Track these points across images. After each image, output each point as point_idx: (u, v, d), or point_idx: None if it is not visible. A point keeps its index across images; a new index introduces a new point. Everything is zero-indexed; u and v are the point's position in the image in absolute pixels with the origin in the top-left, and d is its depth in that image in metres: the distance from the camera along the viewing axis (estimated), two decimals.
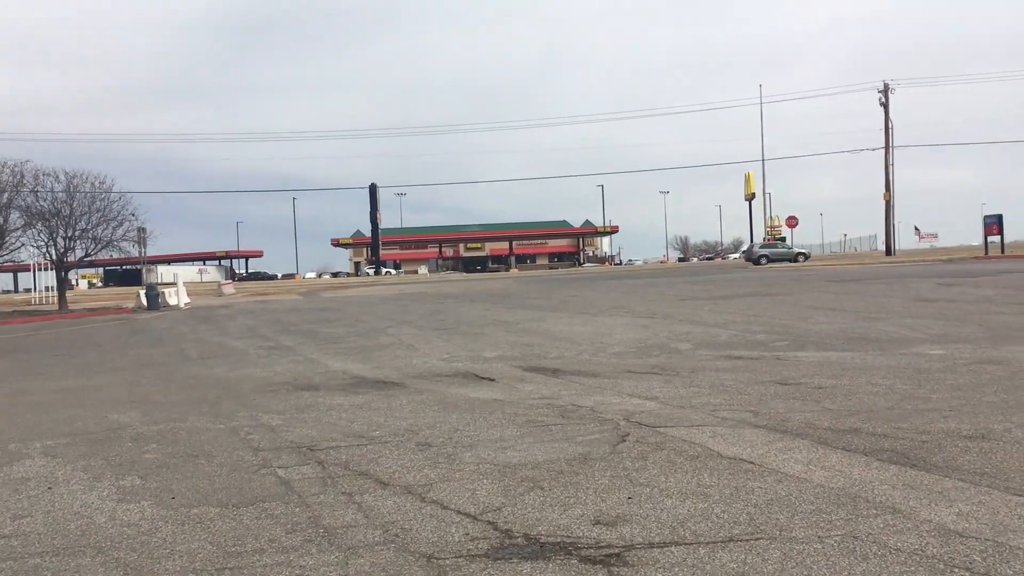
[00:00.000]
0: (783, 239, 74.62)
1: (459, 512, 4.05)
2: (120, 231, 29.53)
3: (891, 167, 45.71)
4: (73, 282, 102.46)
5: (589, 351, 11.16)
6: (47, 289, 36.70)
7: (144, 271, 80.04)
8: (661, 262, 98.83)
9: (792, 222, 48.04)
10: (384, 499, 4.34)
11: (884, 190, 46.14)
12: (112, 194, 29.54)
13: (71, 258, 30.29)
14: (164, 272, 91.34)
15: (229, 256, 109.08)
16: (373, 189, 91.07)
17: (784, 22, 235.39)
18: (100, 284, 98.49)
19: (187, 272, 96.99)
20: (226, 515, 4.17)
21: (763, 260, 50.51)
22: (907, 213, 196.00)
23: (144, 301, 29.90)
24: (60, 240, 29.07)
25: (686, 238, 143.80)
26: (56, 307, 30.69)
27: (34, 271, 37.23)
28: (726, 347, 10.82)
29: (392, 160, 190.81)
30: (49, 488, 4.90)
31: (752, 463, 4.75)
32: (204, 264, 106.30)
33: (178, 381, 10.27)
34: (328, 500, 4.37)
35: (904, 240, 62.65)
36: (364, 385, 9.16)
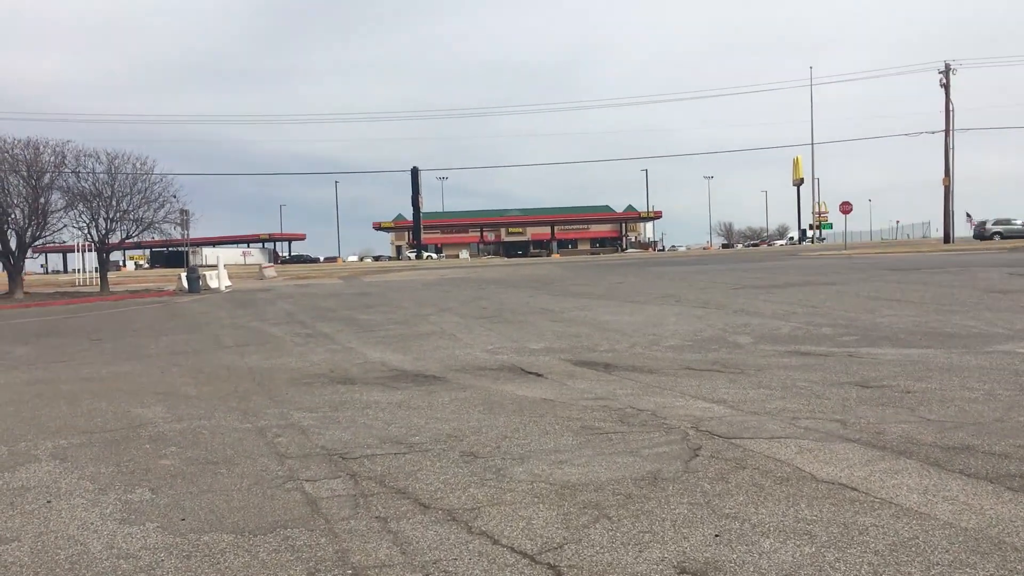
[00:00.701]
0: (830, 225, 72.76)
1: (513, 550, 3.41)
2: (161, 213, 29.37)
3: (951, 151, 43.92)
4: (120, 263, 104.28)
5: (642, 344, 10.46)
6: (95, 270, 36.90)
7: (189, 253, 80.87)
8: (704, 248, 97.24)
9: (846, 208, 46.40)
10: (424, 528, 3.72)
11: (943, 175, 44.37)
12: (153, 175, 29.35)
13: (112, 240, 30.21)
14: (208, 254, 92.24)
15: (272, 239, 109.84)
16: (415, 172, 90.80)
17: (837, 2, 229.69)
18: (147, 265, 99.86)
19: (230, 254, 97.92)
20: (240, 545, 3.57)
21: (996, 237, 49.11)
22: (959, 201, 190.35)
23: (185, 284, 29.75)
24: (101, 221, 29.03)
25: (730, 224, 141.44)
26: (98, 289, 30.74)
27: (79, 252, 37.33)
28: (790, 341, 10.03)
29: (434, 144, 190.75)
30: (48, 502, 4.36)
31: (855, 489, 4.03)
32: (248, 247, 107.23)
33: (209, 371, 9.78)
34: (360, 528, 3.75)
35: (960, 228, 60.35)
36: (403, 379, 8.57)
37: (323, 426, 6.21)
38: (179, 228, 32.90)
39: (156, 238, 31.08)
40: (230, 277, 46.59)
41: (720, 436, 5.31)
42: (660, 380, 7.72)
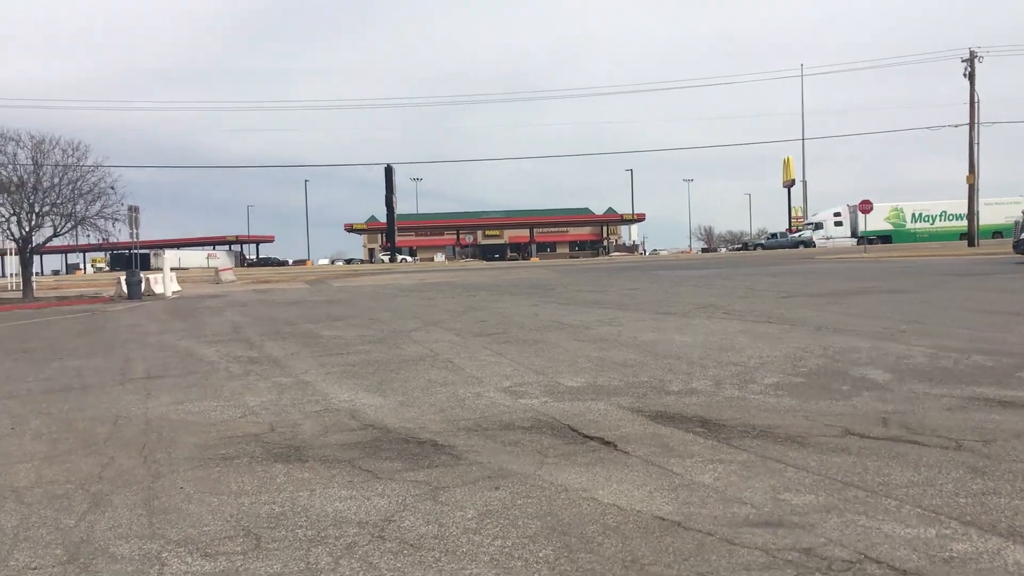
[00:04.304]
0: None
1: None
2: (95, 207, 25.46)
3: (976, 146, 41.16)
4: (79, 266, 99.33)
5: (730, 380, 7.20)
6: (38, 274, 32.98)
7: (151, 255, 76.43)
8: (683, 252, 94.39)
9: (866, 207, 43.55)
10: None
11: (968, 172, 41.66)
12: (87, 165, 25.35)
13: (38, 238, 26.23)
14: (171, 257, 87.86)
15: (239, 241, 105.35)
16: (389, 171, 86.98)
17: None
18: (107, 268, 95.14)
19: (195, 257, 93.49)
20: None
21: None
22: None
23: (124, 289, 25.92)
24: (24, 217, 25.05)
25: (710, 228, 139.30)
26: (21, 295, 26.76)
27: (3, 253, 33.10)
28: (948, 378, 6.84)
29: (407, 148, 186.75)
30: None
31: None
32: (214, 249, 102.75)
33: (81, 428, 6.36)
34: None
35: None
36: (385, 449, 5.24)
37: None
38: (123, 226, 28.87)
39: (93, 238, 26.98)
40: (191, 281, 42.73)
41: None
42: (825, 461, 4.49)
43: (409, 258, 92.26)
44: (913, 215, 67.75)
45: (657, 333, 10.58)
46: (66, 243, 28.39)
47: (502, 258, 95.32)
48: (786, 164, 79.68)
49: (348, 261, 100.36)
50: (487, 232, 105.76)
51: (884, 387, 6.65)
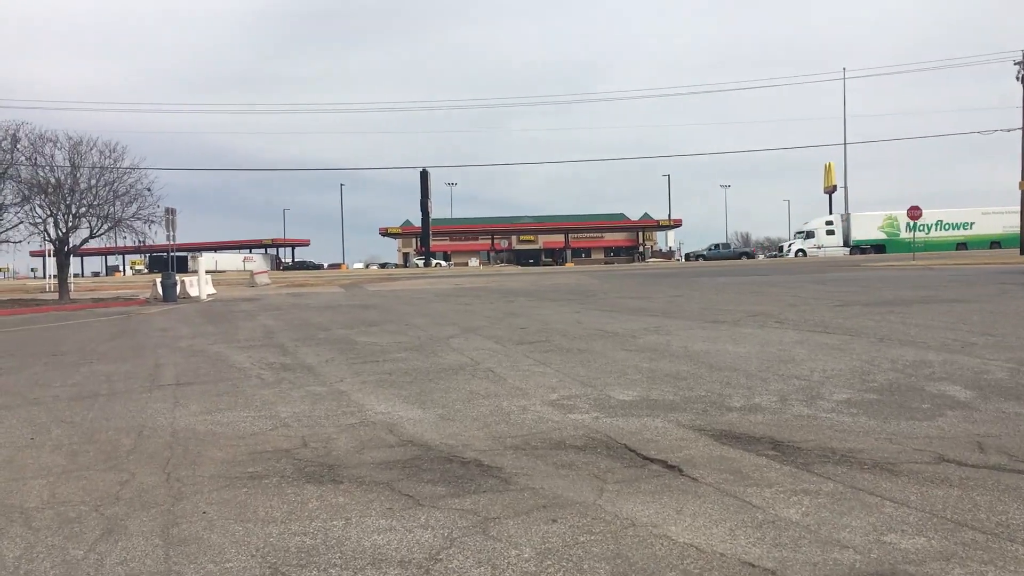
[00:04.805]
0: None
1: None
2: (132, 209, 25.37)
3: None
4: (119, 268, 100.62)
5: (795, 395, 6.65)
6: (77, 276, 33.16)
7: (189, 258, 77.04)
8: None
9: (915, 213, 42.30)
10: None
11: (1020, 178, 40.30)
12: (124, 167, 25.23)
13: (75, 239, 26.20)
14: (207, 259, 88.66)
15: (275, 244, 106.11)
16: (424, 175, 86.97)
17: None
18: (145, 271, 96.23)
19: (231, 260, 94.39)
20: None
21: None
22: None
23: (160, 291, 25.83)
24: (61, 218, 25.02)
25: (747, 234, 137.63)
26: (57, 296, 26.76)
27: (42, 255, 33.18)
28: None
29: (442, 153, 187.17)
30: None
31: None
32: (250, 252, 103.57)
33: (104, 439, 5.99)
34: None
35: None
36: (426, 470, 4.79)
37: None
38: (160, 229, 28.83)
39: (129, 240, 26.91)
40: (227, 284, 42.76)
41: None
42: (926, 496, 3.96)
43: (444, 263, 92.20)
44: (908, 224, 66.11)
45: (708, 343, 10.02)
46: (104, 245, 28.39)
47: (537, 263, 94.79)
48: (827, 170, 78.21)
49: (383, 265, 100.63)
50: (522, 237, 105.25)
51: (968, 406, 6.07)
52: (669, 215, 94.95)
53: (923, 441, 5.07)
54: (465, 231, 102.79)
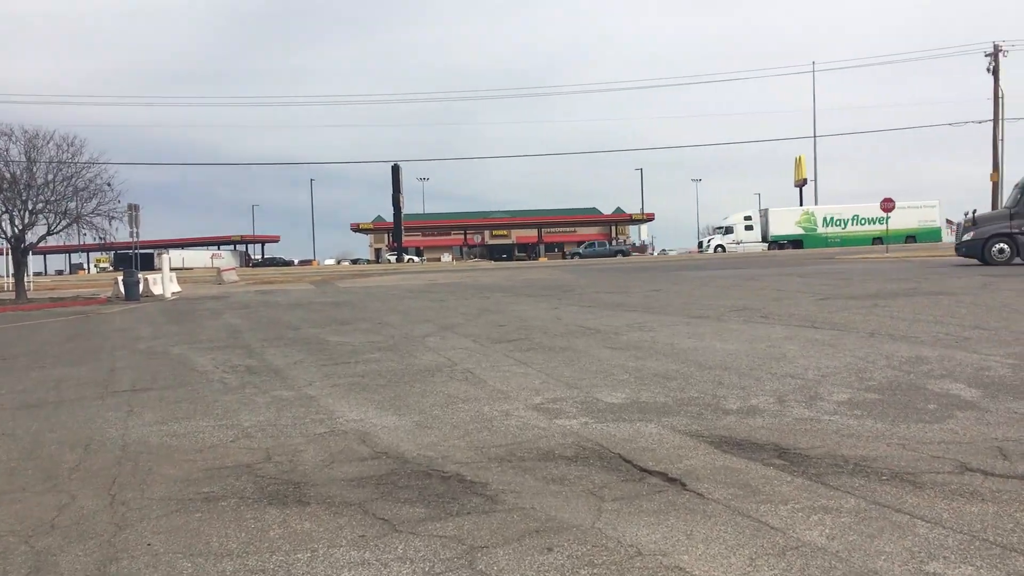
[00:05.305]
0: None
1: None
2: (91, 205, 24.47)
3: (1000, 143, 40.01)
4: (83, 266, 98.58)
5: (793, 396, 6.28)
6: (39, 274, 32.09)
7: (155, 255, 75.57)
8: (690, 252, 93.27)
9: (888, 205, 42.30)
10: None
11: (991, 170, 40.56)
12: (82, 161, 24.30)
13: (32, 237, 25.21)
14: (175, 257, 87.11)
15: (245, 241, 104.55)
16: (396, 170, 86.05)
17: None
18: (111, 268, 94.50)
19: (199, 257, 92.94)
20: None
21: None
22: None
23: (122, 290, 24.97)
24: (16, 214, 24.07)
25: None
26: (13, 296, 25.77)
27: (4, 252, 32.05)
28: None
29: (414, 148, 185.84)
30: None
31: None
32: (219, 248, 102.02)
33: (46, 455, 5.46)
34: None
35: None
36: (403, 486, 4.35)
37: None
38: (123, 225, 27.94)
39: (90, 237, 25.97)
40: (193, 281, 41.77)
41: None
42: (960, 513, 3.60)
43: (416, 258, 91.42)
44: (825, 219, 66.61)
45: (695, 339, 9.64)
46: (64, 242, 27.45)
47: (510, 258, 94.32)
48: (798, 163, 78.57)
49: (354, 261, 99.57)
50: (494, 232, 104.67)
51: (977, 406, 5.72)
52: (642, 209, 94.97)
53: (939, 447, 4.70)
54: (437, 226, 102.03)
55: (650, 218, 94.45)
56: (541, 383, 7.33)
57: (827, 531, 3.41)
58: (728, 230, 68.95)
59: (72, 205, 24.33)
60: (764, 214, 68.71)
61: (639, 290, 18.99)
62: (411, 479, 4.50)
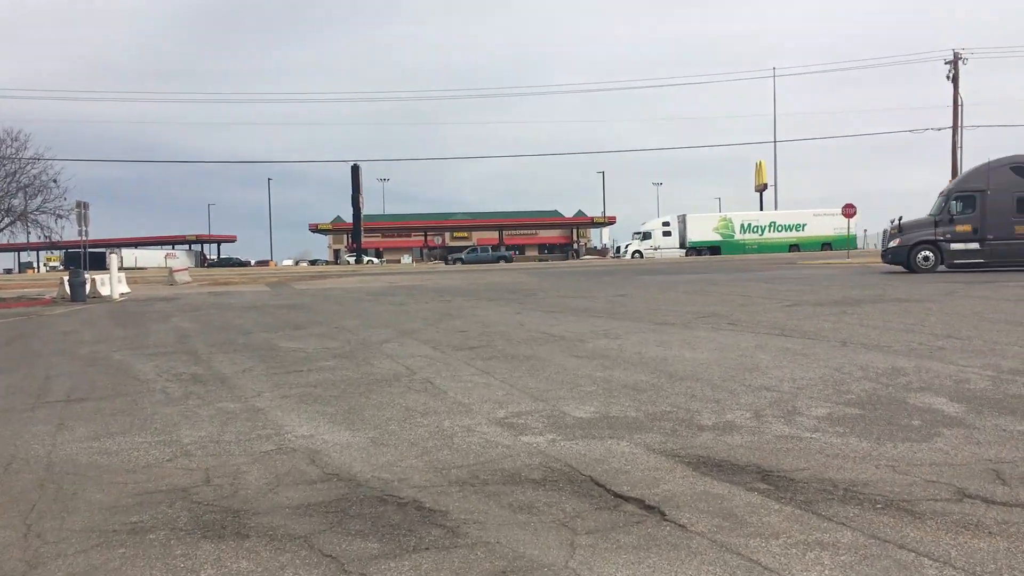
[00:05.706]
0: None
1: None
2: (36, 202, 23.55)
3: (959, 150, 40.58)
4: (33, 265, 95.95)
5: (770, 411, 5.98)
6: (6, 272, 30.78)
7: (107, 254, 73.73)
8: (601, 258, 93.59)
9: (849, 211, 42.59)
10: None
11: (951, 176, 41.04)
12: (24, 158, 23.34)
13: None
14: (127, 256, 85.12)
15: (200, 240, 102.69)
16: (355, 170, 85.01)
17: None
18: (61, 267, 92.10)
19: (153, 256, 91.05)
20: None
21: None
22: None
23: (67, 290, 24.09)
24: None
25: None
26: None
27: None
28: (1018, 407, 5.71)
29: (374, 149, 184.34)
30: None
31: None
32: (173, 248, 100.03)
33: None
34: None
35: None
36: (355, 515, 3.94)
37: None
38: (71, 223, 26.95)
39: (34, 235, 24.97)
40: (144, 282, 40.63)
41: None
42: (969, 551, 3.31)
43: (375, 260, 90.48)
44: (742, 226, 67.27)
45: (663, 348, 9.33)
46: (9, 241, 26.44)
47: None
48: (758, 168, 79.24)
49: (312, 262, 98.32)
50: (455, 234, 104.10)
51: (962, 422, 5.46)
52: (604, 212, 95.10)
53: (931, 469, 4.41)
54: (398, 227, 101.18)
55: (611, 221, 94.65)
56: (504, 395, 6.94)
57: (827, 572, 3.07)
58: (646, 235, 69.12)
59: (16, 202, 23.41)
60: (682, 220, 68.88)
61: (603, 295, 18.70)
62: (364, 506, 4.09)
